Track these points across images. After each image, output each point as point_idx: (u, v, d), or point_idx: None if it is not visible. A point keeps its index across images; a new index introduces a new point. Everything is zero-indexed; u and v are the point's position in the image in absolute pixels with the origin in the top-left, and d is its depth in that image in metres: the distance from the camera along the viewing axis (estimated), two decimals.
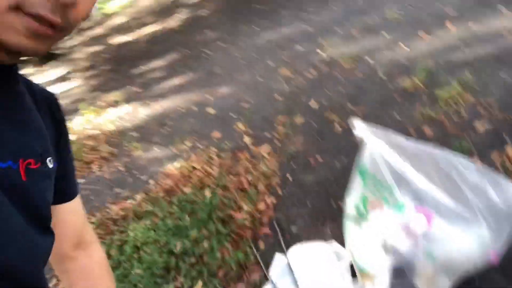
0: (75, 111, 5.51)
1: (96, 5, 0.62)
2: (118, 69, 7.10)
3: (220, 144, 2.96)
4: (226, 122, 3.27)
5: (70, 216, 0.72)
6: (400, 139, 1.40)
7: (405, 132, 2.28)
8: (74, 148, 3.98)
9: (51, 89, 0.67)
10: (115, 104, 5.02)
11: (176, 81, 4.89)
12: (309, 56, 3.76)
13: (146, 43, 8.38)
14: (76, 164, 3.58)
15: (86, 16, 0.50)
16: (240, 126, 3.07)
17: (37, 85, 0.63)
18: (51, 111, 0.64)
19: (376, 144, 1.38)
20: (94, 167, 3.49)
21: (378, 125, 1.49)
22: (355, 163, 1.52)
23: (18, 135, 0.51)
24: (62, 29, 0.45)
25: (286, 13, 5.12)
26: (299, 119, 2.84)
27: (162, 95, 4.60)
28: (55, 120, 0.64)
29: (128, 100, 4.91)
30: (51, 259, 0.61)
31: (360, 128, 1.43)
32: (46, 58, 11.66)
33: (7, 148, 0.49)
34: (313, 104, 2.95)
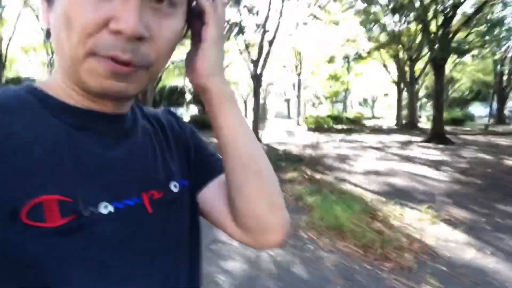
0: (420, 201, 5.57)
1: None
2: (487, 190, 6.49)
3: None
4: None
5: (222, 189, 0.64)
6: None
7: None
8: (390, 234, 4.09)
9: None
10: (452, 222, 4.69)
11: None
12: None
13: None
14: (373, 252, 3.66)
15: (167, 51, 0.49)
16: None
17: (150, 111, 0.66)
18: (169, 129, 0.65)
19: None
20: (385, 266, 3.49)
21: None
22: None
23: (140, 169, 0.54)
24: (137, 66, 0.46)
25: None
26: None
27: (498, 257, 3.84)
28: (175, 134, 0.66)
29: (469, 229, 4.45)
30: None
31: None
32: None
33: (131, 185, 0.52)
34: None
